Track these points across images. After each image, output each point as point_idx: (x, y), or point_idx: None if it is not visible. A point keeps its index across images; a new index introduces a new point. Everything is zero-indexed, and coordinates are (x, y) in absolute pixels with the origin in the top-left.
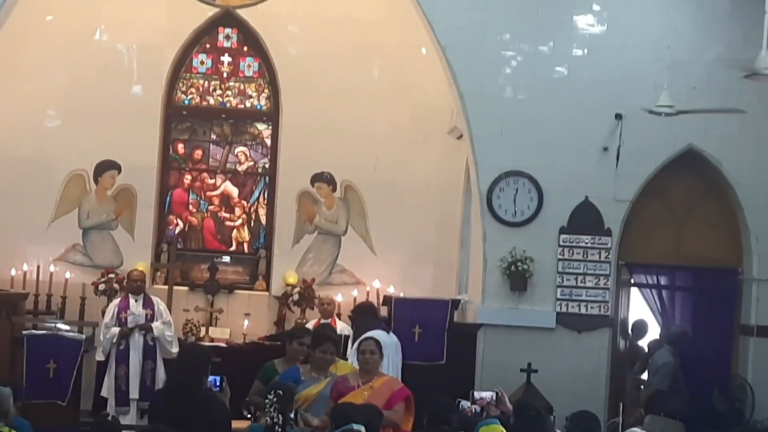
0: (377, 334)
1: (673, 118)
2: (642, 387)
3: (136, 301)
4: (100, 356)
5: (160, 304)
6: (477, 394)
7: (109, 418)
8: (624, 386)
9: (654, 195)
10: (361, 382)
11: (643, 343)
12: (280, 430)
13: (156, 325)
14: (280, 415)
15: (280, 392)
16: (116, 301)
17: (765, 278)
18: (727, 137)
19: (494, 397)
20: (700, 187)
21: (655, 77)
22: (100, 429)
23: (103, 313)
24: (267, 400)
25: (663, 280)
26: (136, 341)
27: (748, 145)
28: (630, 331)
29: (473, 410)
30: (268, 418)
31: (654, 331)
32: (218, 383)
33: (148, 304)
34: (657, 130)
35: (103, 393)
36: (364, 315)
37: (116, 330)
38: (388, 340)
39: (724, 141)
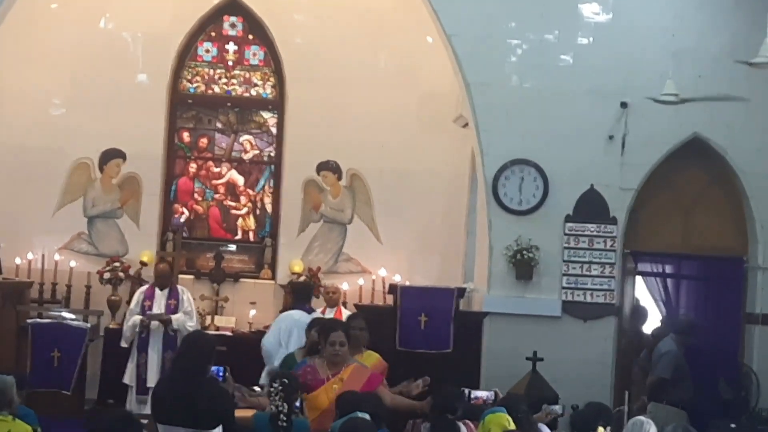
0: (295, 314)
1: (678, 106)
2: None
3: (161, 290)
4: (123, 343)
5: (184, 293)
6: (473, 393)
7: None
8: (629, 375)
9: (660, 183)
10: (330, 374)
11: (645, 328)
12: (285, 418)
13: (176, 317)
14: (285, 404)
15: (285, 381)
16: (143, 288)
17: None
18: (733, 126)
19: (491, 397)
20: (705, 176)
21: (660, 66)
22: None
23: (109, 301)
24: (272, 389)
25: (668, 269)
26: (157, 331)
27: (753, 133)
28: (630, 316)
29: (484, 400)
30: (273, 407)
31: (656, 318)
32: (221, 373)
33: (173, 294)
34: (662, 118)
35: (125, 380)
36: (295, 295)
37: (137, 318)
38: (306, 319)
39: (729, 129)
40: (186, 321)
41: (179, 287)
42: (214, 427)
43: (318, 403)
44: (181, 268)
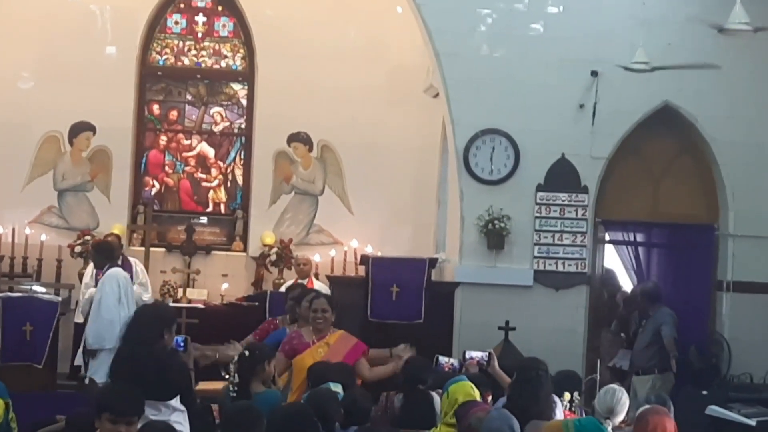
0: (116, 271)
1: (648, 74)
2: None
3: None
4: (79, 318)
5: (137, 265)
6: (468, 354)
7: (86, 381)
8: (600, 343)
9: (630, 152)
10: (316, 338)
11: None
12: (235, 389)
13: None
14: (236, 375)
15: (246, 353)
16: None
17: (741, 234)
18: (703, 93)
19: (484, 357)
20: (676, 144)
21: (630, 34)
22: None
23: (80, 275)
24: (235, 362)
25: (639, 237)
26: None
27: (723, 101)
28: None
29: (452, 365)
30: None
31: (626, 286)
32: (182, 343)
33: (125, 266)
34: (633, 87)
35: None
36: (99, 254)
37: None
38: (114, 272)
39: (699, 97)
40: (142, 293)
41: (131, 259)
42: (170, 398)
43: (303, 365)
44: (153, 241)
